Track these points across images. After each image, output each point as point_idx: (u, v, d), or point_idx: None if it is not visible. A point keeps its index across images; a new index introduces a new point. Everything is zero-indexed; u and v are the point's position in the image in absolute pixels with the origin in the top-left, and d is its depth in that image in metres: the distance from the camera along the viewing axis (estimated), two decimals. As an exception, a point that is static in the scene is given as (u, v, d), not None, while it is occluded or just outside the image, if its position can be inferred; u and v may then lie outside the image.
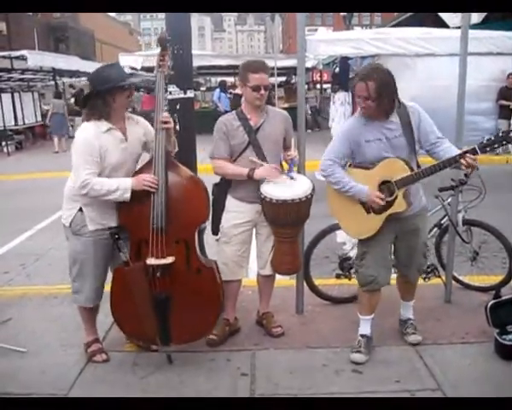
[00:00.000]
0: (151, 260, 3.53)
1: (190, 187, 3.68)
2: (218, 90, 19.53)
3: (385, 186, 3.59)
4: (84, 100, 3.65)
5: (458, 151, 3.50)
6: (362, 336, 3.90)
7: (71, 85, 23.61)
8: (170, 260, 3.54)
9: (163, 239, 3.54)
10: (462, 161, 3.38)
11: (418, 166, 3.65)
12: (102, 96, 3.53)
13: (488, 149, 3.37)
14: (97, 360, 3.84)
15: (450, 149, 3.55)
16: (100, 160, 3.50)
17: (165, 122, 3.58)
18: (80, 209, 3.63)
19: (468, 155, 3.37)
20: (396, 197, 3.56)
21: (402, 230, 3.75)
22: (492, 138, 3.33)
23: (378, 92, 3.42)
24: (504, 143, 3.35)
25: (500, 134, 3.34)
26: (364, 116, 3.61)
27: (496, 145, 3.36)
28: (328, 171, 3.72)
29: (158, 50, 3.71)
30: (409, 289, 4.08)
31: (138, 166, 3.74)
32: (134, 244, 3.64)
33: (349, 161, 3.76)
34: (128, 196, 3.49)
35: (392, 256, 3.97)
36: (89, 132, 3.52)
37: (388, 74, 3.50)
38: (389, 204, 3.58)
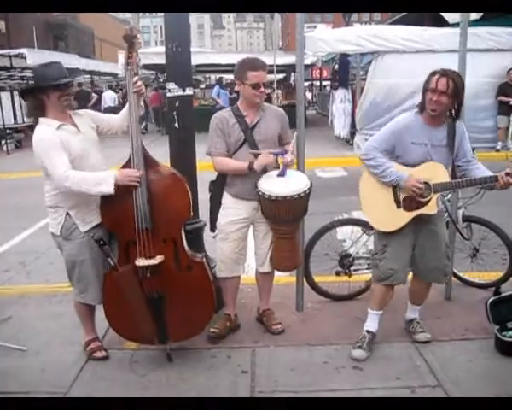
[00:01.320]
0: (140, 262, 3.53)
1: (172, 184, 3.63)
2: (217, 86, 19.58)
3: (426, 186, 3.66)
4: (22, 94, 3.79)
5: (489, 172, 3.66)
6: (367, 331, 3.90)
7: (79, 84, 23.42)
8: (158, 259, 3.53)
9: (150, 239, 3.54)
10: (507, 178, 3.52)
11: (454, 177, 3.77)
12: (36, 94, 3.55)
13: None
14: (97, 356, 3.84)
15: (483, 170, 3.72)
16: (65, 151, 3.48)
17: (139, 90, 3.61)
18: (67, 214, 3.63)
19: (508, 177, 3.52)
20: (430, 200, 3.64)
21: (423, 230, 3.79)
22: None
23: (455, 93, 3.53)
24: None
25: None
26: (421, 117, 3.69)
27: None
28: (370, 154, 3.74)
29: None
30: (422, 294, 4.07)
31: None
32: (122, 246, 3.63)
33: (389, 156, 3.77)
34: (111, 189, 3.42)
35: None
36: (44, 132, 3.51)
37: (464, 85, 3.65)
38: (422, 204, 3.66)
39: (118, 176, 3.46)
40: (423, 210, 3.67)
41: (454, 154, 3.71)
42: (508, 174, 3.53)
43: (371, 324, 3.93)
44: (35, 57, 17.08)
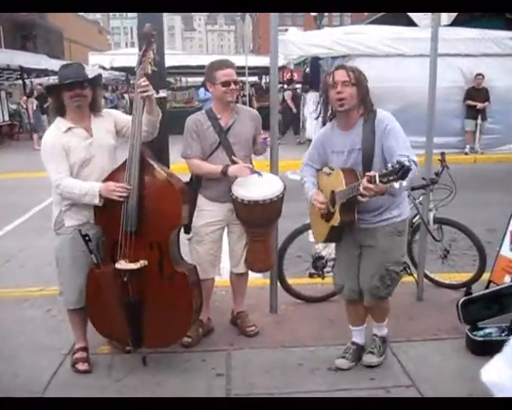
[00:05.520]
0: (119, 265, 3.49)
1: (165, 189, 3.56)
2: (202, 89, 19.32)
3: (332, 196, 3.42)
4: (46, 92, 3.94)
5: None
6: (352, 343, 3.82)
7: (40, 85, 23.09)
8: (138, 265, 3.48)
9: (134, 242, 3.50)
10: (360, 186, 2.98)
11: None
12: (56, 94, 3.60)
13: (385, 179, 2.80)
14: (78, 367, 3.72)
15: None
16: (66, 157, 3.51)
17: (144, 91, 3.48)
18: (61, 210, 3.65)
19: (364, 180, 2.93)
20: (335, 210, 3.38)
21: (363, 243, 3.53)
22: (391, 168, 2.78)
23: (358, 80, 3.29)
24: (399, 175, 2.73)
25: (397, 166, 2.74)
26: (335, 123, 3.50)
27: (392, 178, 2.77)
28: (302, 170, 3.73)
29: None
30: (374, 311, 3.76)
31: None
32: (108, 245, 3.60)
33: (323, 165, 3.66)
34: (97, 201, 3.47)
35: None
36: (50, 134, 3.59)
37: (364, 78, 3.38)
38: (332, 215, 3.42)
39: (102, 190, 3.47)
40: (332, 222, 3.42)
41: (376, 155, 3.30)
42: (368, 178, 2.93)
43: (354, 336, 3.84)
44: (3, 57, 16.86)
